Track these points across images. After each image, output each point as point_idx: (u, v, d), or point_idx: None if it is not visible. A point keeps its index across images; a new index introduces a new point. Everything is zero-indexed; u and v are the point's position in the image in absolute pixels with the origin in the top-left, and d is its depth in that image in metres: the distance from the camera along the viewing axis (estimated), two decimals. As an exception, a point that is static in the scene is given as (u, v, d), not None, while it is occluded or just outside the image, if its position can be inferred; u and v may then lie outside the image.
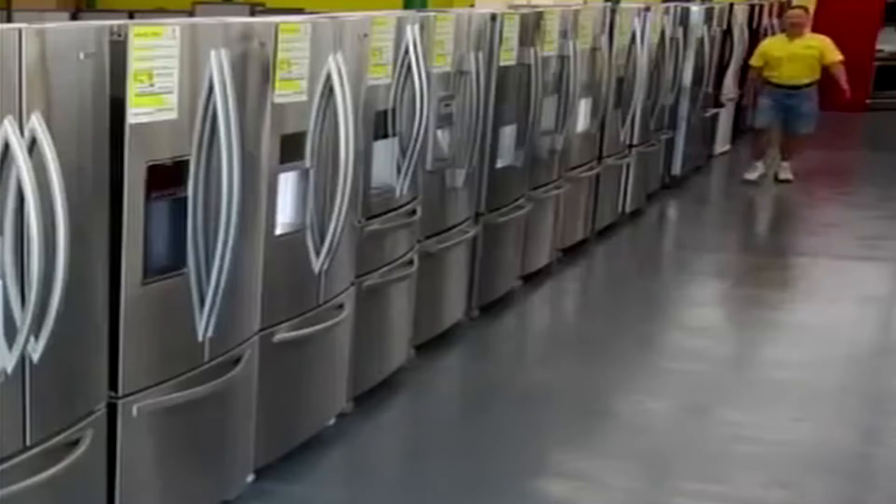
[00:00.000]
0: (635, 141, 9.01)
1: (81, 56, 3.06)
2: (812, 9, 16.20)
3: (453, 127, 5.61)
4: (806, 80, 10.55)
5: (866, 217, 9.60)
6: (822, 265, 8.16)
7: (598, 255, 8.24)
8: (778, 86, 10.63)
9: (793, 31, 10.74)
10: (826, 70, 10.71)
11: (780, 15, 14.47)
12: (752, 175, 10.97)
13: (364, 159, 4.66)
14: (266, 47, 3.87)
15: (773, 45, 10.97)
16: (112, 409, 3.44)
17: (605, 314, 6.99)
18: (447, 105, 5.50)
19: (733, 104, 12.67)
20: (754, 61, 11.07)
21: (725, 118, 12.53)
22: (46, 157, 2.86)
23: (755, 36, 13.03)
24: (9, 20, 7.77)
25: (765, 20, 13.48)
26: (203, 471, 3.98)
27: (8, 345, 2.92)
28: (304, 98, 4.13)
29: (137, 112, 3.29)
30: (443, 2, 11.93)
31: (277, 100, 3.98)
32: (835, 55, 10.62)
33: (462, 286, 6.18)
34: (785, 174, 10.93)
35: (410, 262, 5.35)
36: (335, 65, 4.19)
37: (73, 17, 8.63)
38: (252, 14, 7.51)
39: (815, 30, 16.80)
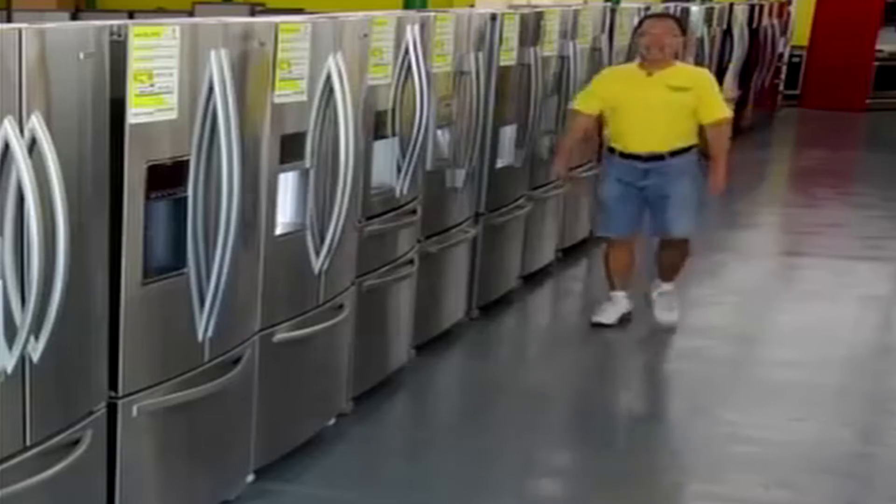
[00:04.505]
0: (635, 141, 8.96)
1: (81, 56, 3.06)
2: (811, 9, 16.33)
3: (453, 127, 5.61)
4: (670, 147, 5.95)
5: (867, 217, 9.61)
6: (823, 264, 8.15)
7: (598, 256, 8.21)
8: (625, 156, 6.03)
9: (652, 57, 5.94)
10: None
11: (780, 15, 14.47)
12: (605, 316, 6.34)
13: (364, 159, 4.66)
14: (266, 47, 3.87)
15: (616, 81, 6.20)
16: (112, 409, 3.44)
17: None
18: (447, 105, 5.50)
19: (733, 104, 12.67)
20: (581, 104, 6.20)
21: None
22: (46, 157, 2.86)
23: (755, 36, 13.03)
24: (9, 20, 7.76)
25: (765, 20, 13.47)
26: (203, 471, 3.98)
27: (8, 345, 2.92)
28: (304, 98, 4.13)
29: (137, 112, 3.29)
30: (443, 2, 11.92)
31: (277, 100, 3.98)
32: (719, 109, 5.99)
33: (462, 286, 6.18)
34: (665, 312, 6.30)
35: (410, 262, 5.35)
36: (335, 65, 4.19)
37: (73, 17, 8.60)
38: (252, 14, 7.50)
39: (816, 32, 16.95)
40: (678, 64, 6.12)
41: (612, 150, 6.15)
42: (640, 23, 6.44)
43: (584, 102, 6.18)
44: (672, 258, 6.27)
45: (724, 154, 6.07)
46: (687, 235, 6.16)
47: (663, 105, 5.91)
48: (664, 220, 6.09)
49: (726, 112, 6.16)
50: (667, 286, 6.31)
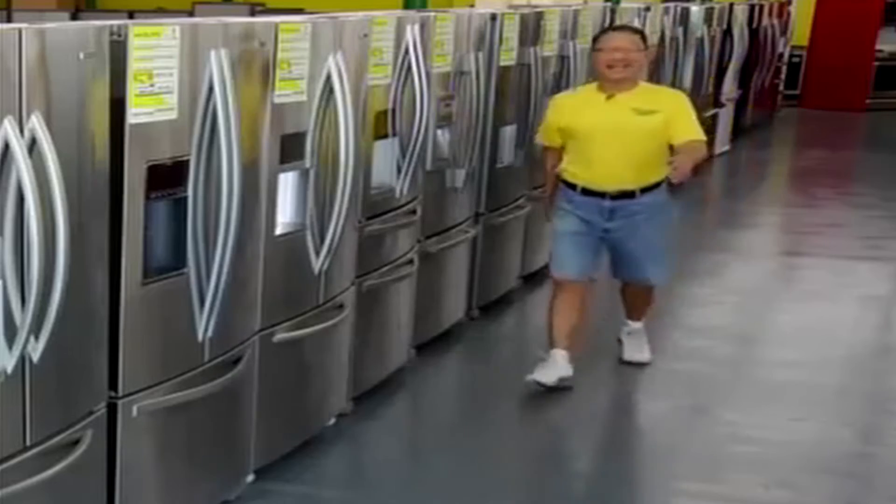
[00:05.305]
0: (635, 141, 8.95)
1: (81, 56, 3.06)
2: (811, 9, 16.32)
3: (453, 127, 5.61)
4: (640, 182, 5.18)
5: (867, 217, 9.61)
6: (823, 264, 8.15)
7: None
8: (587, 192, 5.22)
9: (616, 76, 5.14)
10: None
11: (780, 15, 14.48)
12: (545, 375, 5.27)
13: (364, 159, 4.66)
14: (266, 47, 3.87)
15: (571, 108, 5.35)
16: (112, 409, 3.44)
17: (605, 313, 6.98)
18: (447, 105, 5.50)
19: (733, 104, 12.69)
20: (544, 136, 5.49)
21: (725, 118, 12.53)
22: (46, 157, 2.86)
23: (755, 36, 13.03)
24: (9, 20, 7.76)
25: (765, 20, 13.48)
26: (203, 471, 3.98)
27: (8, 345, 2.92)
28: (304, 98, 4.13)
29: (137, 112, 3.29)
30: (443, 2, 11.93)
31: (277, 100, 3.99)
32: (692, 130, 5.11)
33: (462, 286, 6.19)
34: (636, 352, 5.74)
35: (410, 262, 5.35)
36: (335, 65, 4.19)
37: (73, 17, 8.60)
38: (252, 14, 7.50)
39: (816, 32, 16.93)
40: (643, 84, 5.36)
41: (570, 185, 5.26)
42: (597, 37, 5.39)
43: (545, 135, 5.46)
44: (639, 296, 5.66)
45: (694, 159, 5.01)
46: (666, 283, 5.62)
47: (629, 132, 5.08)
48: (639, 270, 5.42)
49: (701, 135, 5.18)
50: (635, 325, 5.73)
